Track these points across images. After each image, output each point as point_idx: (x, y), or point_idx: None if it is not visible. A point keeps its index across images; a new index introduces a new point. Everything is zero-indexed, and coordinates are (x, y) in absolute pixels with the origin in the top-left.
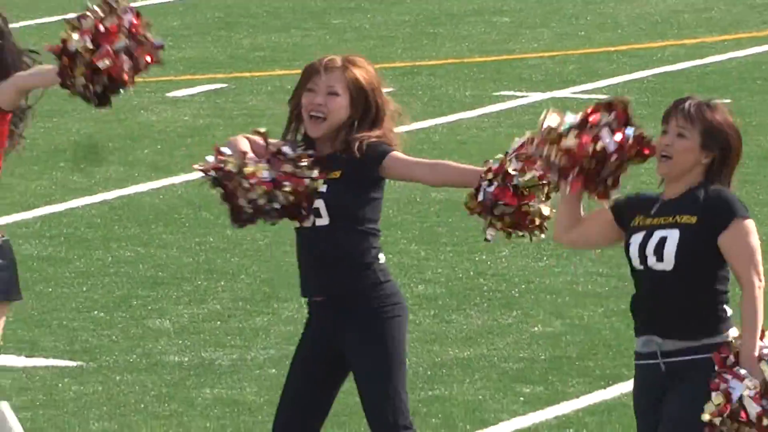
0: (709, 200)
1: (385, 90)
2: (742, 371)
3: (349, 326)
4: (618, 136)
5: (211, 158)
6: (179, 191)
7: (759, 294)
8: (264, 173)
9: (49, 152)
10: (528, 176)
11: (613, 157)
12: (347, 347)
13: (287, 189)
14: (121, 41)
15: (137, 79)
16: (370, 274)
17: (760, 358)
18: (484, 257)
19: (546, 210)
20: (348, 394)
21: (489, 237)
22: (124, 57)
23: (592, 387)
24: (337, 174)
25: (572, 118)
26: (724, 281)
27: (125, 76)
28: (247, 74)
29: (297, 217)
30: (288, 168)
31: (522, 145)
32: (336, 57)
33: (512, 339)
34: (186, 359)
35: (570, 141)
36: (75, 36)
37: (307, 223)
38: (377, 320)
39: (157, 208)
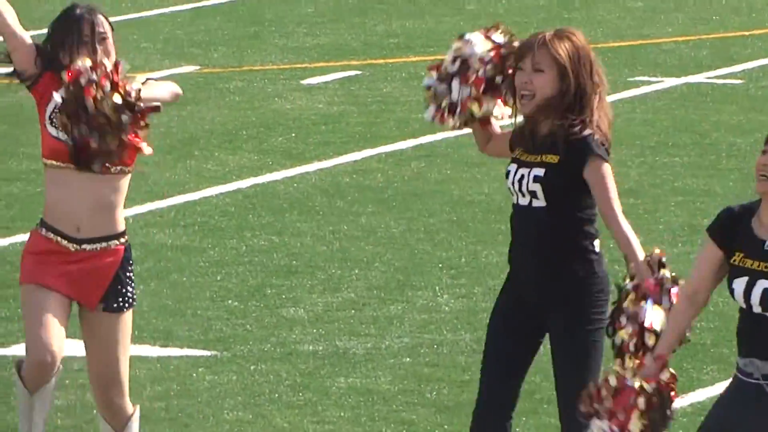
0: None
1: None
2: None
3: (556, 309)
4: None
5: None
6: (313, 179)
7: None
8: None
9: (183, 141)
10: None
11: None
12: (551, 328)
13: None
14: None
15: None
16: (584, 262)
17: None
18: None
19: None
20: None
21: None
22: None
23: (727, 374)
24: (555, 159)
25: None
26: None
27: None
28: (381, 61)
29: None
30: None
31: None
32: (546, 32)
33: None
34: (320, 348)
35: None
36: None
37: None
38: (585, 311)
39: (291, 196)
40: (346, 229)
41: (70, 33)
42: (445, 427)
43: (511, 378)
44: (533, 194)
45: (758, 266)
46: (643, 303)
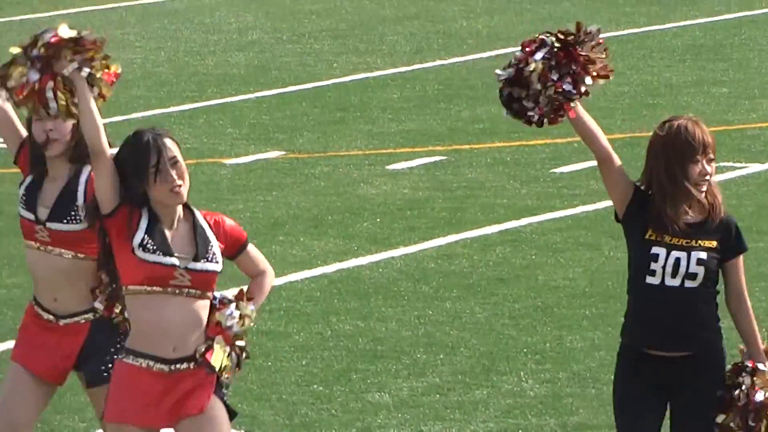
0: None
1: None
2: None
3: (691, 380)
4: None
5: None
6: (398, 264)
7: None
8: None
9: (269, 226)
10: None
11: None
12: (683, 396)
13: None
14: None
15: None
16: (719, 337)
17: None
18: None
19: None
20: None
21: None
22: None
23: None
24: (713, 243)
25: None
26: None
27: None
28: (467, 146)
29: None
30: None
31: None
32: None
33: None
34: None
35: None
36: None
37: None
38: (716, 379)
39: (377, 281)
40: (431, 314)
41: (139, 162)
42: None
43: None
44: (692, 276)
45: None
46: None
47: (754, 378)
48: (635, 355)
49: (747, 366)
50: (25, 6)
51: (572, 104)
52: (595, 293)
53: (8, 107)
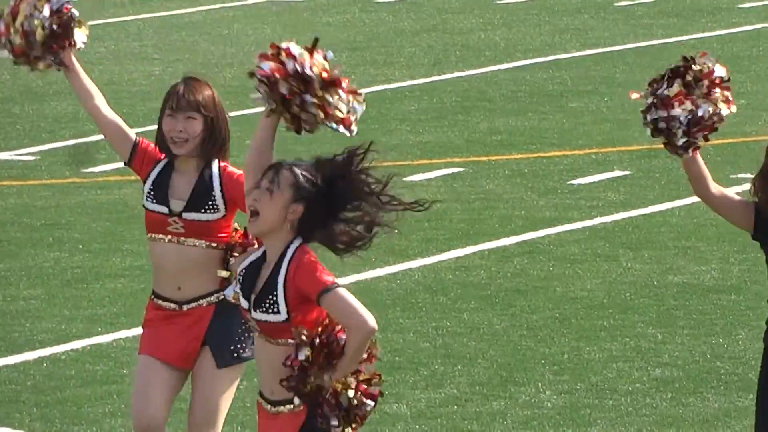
0: None
1: None
2: None
3: None
4: None
5: None
6: (416, 275)
7: None
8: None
9: None
10: None
11: None
12: None
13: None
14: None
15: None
16: None
17: None
18: (721, 340)
19: None
20: None
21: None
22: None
23: None
24: None
25: None
26: None
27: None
28: (484, 158)
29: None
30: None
31: None
32: None
33: (750, 422)
34: None
35: None
36: None
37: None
38: None
39: (394, 292)
40: (449, 325)
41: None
42: None
43: None
44: None
45: None
46: None
47: None
48: None
49: None
50: None
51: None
52: (612, 304)
53: (116, 116)
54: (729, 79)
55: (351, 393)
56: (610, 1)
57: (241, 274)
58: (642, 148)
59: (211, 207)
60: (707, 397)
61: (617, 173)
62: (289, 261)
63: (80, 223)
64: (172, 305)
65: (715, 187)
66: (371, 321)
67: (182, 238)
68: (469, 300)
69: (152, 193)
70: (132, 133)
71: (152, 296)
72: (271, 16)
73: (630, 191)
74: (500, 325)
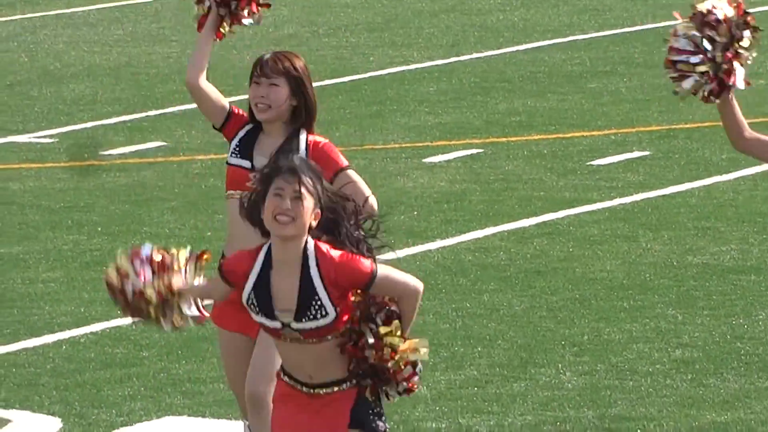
0: None
1: None
2: None
3: None
4: None
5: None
6: (436, 257)
7: None
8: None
9: None
10: None
11: None
12: None
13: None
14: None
15: None
16: None
17: None
18: (741, 321)
19: None
20: None
21: None
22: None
23: None
24: None
25: None
26: None
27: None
28: (503, 139)
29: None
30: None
31: None
32: None
33: None
34: (443, 426)
35: None
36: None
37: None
38: None
39: (414, 274)
40: (468, 306)
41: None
42: None
43: None
44: None
45: None
46: None
47: None
48: None
49: None
50: (60, 1)
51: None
52: (632, 285)
53: (209, 85)
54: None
55: (412, 359)
56: None
57: (252, 294)
58: (661, 128)
59: None
60: (727, 377)
61: (636, 154)
62: (316, 262)
63: (99, 205)
64: None
65: (749, 132)
66: (417, 283)
67: None
68: (489, 281)
69: (237, 148)
70: (226, 102)
71: (221, 258)
72: None
73: (649, 172)
74: (520, 307)
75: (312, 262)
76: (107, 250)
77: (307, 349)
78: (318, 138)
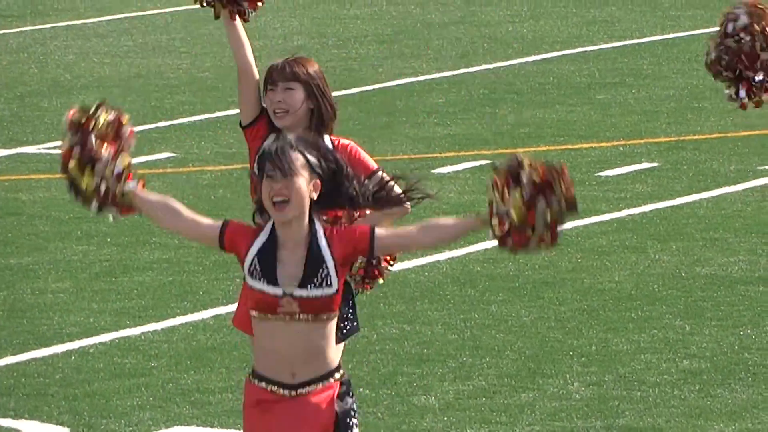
0: None
1: None
2: None
3: None
4: None
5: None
6: (444, 268)
7: None
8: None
9: None
10: None
11: None
12: None
13: None
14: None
15: None
16: None
17: None
18: (749, 331)
19: None
20: None
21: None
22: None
23: None
24: None
25: None
26: None
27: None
28: (512, 150)
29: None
30: None
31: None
32: None
33: None
34: None
35: None
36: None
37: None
38: None
39: (423, 285)
40: (477, 317)
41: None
42: None
43: None
44: None
45: None
46: None
47: None
48: None
49: None
50: (70, 12)
51: None
52: (640, 296)
53: (257, 76)
54: None
55: None
56: None
57: (255, 259)
58: (669, 139)
59: None
60: (735, 388)
61: (645, 165)
62: (324, 234)
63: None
64: None
65: None
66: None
67: None
68: (497, 292)
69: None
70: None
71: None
72: (299, 8)
73: (658, 183)
74: (528, 317)
75: (320, 234)
76: (116, 261)
77: (297, 331)
78: (344, 140)
